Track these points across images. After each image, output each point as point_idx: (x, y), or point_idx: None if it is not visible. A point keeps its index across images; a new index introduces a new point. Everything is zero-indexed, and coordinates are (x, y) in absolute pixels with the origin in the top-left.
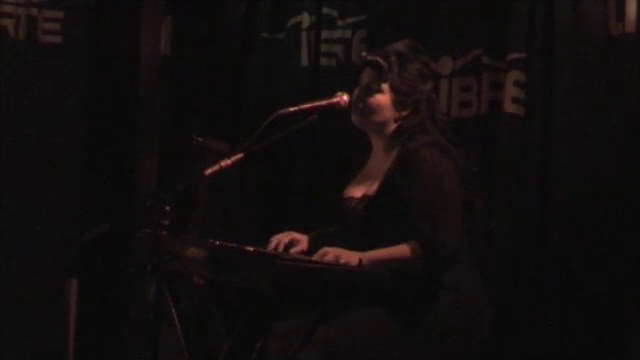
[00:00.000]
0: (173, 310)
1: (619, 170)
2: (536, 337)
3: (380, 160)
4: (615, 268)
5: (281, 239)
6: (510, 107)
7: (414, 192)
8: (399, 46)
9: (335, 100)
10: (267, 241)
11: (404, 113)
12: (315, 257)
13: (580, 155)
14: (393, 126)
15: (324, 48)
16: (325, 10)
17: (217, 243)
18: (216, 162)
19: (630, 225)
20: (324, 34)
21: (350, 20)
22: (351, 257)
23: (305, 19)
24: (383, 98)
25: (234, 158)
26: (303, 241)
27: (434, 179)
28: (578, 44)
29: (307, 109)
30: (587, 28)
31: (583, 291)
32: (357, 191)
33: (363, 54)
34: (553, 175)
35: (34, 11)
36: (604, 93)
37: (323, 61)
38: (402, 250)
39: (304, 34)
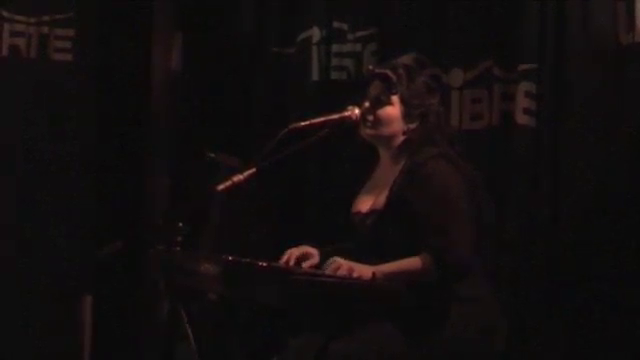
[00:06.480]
0: (187, 326)
1: (631, 180)
2: (548, 349)
3: (387, 171)
4: (628, 278)
5: (293, 252)
6: (521, 118)
7: (423, 204)
8: (405, 59)
9: (347, 114)
10: (280, 256)
11: (412, 126)
12: (327, 269)
13: (592, 165)
14: (401, 138)
15: (335, 62)
16: (335, 24)
17: (230, 258)
18: (228, 177)
19: None
20: (334, 48)
21: (360, 34)
22: (364, 270)
23: (315, 33)
24: (393, 110)
25: (246, 173)
26: (315, 255)
27: (442, 191)
28: (588, 54)
29: (319, 123)
30: (597, 38)
31: (596, 301)
32: (364, 205)
33: (370, 67)
34: (565, 185)
35: (45, 29)
36: (615, 103)
37: (334, 75)
38: (414, 262)
39: (314, 48)
